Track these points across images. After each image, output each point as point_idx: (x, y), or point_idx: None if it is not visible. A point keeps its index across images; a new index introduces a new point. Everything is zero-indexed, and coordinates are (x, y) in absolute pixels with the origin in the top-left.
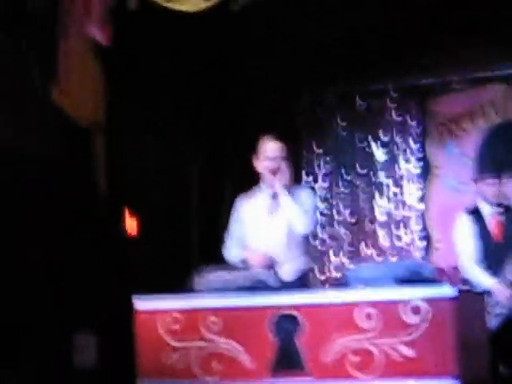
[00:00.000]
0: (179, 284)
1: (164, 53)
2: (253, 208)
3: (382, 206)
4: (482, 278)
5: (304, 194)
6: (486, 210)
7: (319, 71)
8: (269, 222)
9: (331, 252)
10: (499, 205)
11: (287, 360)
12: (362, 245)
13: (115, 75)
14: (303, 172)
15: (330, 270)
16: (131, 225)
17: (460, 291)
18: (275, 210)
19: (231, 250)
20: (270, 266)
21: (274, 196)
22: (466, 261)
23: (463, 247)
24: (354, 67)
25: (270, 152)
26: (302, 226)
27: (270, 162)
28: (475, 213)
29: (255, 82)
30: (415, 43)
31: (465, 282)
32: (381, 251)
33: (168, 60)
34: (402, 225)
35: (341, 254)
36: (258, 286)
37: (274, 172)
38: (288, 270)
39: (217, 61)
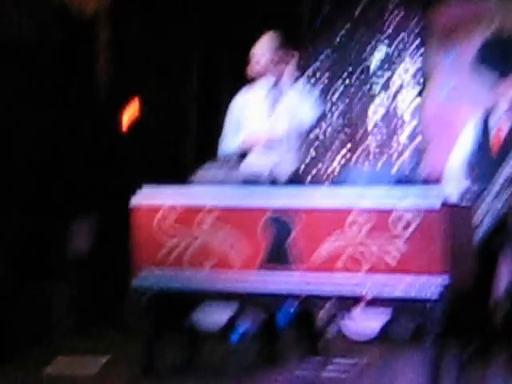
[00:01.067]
0: (176, 177)
1: None
2: (253, 100)
3: (376, 109)
4: (457, 183)
5: (302, 89)
6: (495, 117)
7: None
8: (269, 114)
9: (323, 151)
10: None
11: (278, 257)
12: (355, 146)
13: None
14: (300, 72)
15: (321, 170)
16: (131, 116)
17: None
18: (275, 105)
19: (230, 141)
20: (271, 147)
21: (274, 88)
22: (453, 163)
23: (458, 148)
24: None
25: (255, 48)
26: (310, 115)
27: (255, 57)
28: (485, 119)
29: None
30: None
31: None
32: (373, 154)
33: None
34: (395, 128)
35: (332, 155)
36: (252, 183)
37: (260, 74)
38: (284, 164)
39: None
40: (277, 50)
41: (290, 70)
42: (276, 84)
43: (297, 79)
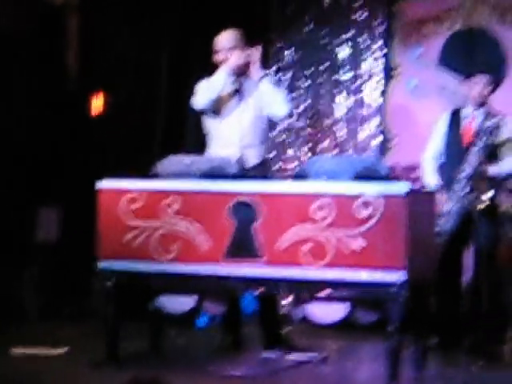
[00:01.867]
0: (141, 168)
1: None
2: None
3: (341, 103)
4: (428, 176)
5: (271, 83)
6: (466, 112)
7: None
8: (236, 107)
9: (288, 143)
10: (480, 106)
11: (242, 245)
12: (320, 139)
13: None
14: (266, 63)
15: (286, 161)
16: (98, 106)
17: (411, 189)
18: (243, 96)
19: (201, 96)
20: (238, 138)
21: (237, 81)
22: (426, 155)
23: (430, 143)
24: None
25: (215, 45)
26: (283, 108)
27: (216, 54)
28: (455, 114)
29: None
30: None
31: (415, 180)
32: (338, 147)
33: None
34: (360, 122)
35: (298, 146)
36: (217, 172)
37: (222, 62)
38: (250, 156)
39: None
40: (238, 41)
41: (255, 63)
42: (241, 75)
43: (264, 73)
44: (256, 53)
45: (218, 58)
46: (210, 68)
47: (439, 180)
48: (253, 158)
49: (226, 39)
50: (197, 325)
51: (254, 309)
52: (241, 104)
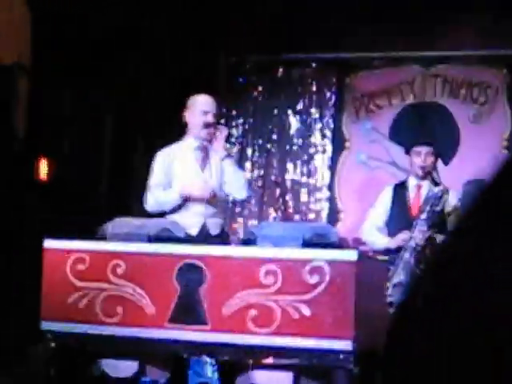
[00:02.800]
0: (88, 232)
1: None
2: (181, 160)
3: (291, 173)
4: (377, 238)
5: (231, 163)
6: (412, 183)
7: (241, 37)
8: (199, 174)
9: (238, 212)
10: (425, 177)
11: (188, 309)
12: (269, 209)
13: (42, 18)
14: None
15: (236, 230)
16: (44, 170)
17: (361, 256)
18: (205, 166)
19: (160, 195)
20: (213, 197)
21: (203, 149)
22: (368, 224)
23: (372, 213)
24: (275, 35)
25: (204, 106)
26: (242, 192)
27: (204, 116)
28: (401, 185)
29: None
30: (337, 17)
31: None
32: (287, 217)
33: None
34: (310, 193)
35: (246, 216)
36: (165, 235)
37: (208, 126)
38: (210, 225)
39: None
40: (214, 107)
41: (219, 141)
42: (205, 147)
43: (227, 153)
44: (221, 132)
45: (189, 117)
46: (153, 131)
47: (387, 239)
48: (212, 227)
49: (203, 102)
50: None
51: (200, 372)
52: (205, 170)
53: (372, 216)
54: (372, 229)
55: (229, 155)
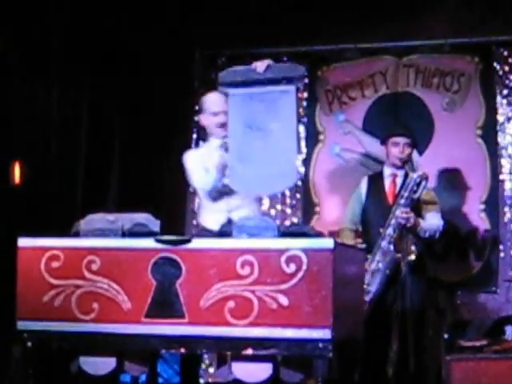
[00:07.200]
0: (62, 228)
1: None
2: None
3: None
4: (348, 238)
5: None
6: (387, 172)
7: (213, 32)
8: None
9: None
10: (401, 167)
11: (165, 304)
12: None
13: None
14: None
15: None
16: (17, 173)
17: (338, 244)
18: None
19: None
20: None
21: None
22: (345, 220)
23: (347, 209)
24: (247, 29)
25: (213, 107)
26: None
27: (215, 118)
28: (376, 176)
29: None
30: (308, 10)
31: None
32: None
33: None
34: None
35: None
36: (140, 229)
37: (223, 125)
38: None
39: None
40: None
41: None
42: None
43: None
44: None
45: (203, 119)
46: (131, 133)
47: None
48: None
49: (212, 102)
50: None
51: (177, 367)
52: None
53: (347, 214)
54: (347, 232)
55: None
